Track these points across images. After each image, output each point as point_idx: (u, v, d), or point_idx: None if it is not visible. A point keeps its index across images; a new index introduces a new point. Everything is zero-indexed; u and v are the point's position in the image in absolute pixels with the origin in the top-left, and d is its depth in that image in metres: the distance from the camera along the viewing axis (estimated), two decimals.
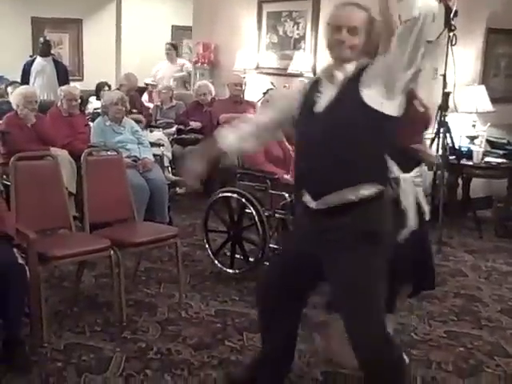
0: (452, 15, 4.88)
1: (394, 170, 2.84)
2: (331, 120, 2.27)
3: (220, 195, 4.43)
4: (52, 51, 8.09)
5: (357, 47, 2.30)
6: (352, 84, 2.25)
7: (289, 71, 7.08)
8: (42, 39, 7.89)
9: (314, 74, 6.93)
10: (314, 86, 2.40)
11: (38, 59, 7.77)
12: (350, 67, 2.30)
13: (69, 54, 9.96)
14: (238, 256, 4.37)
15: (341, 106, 2.27)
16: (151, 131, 6.73)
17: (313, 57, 6.97)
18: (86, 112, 7.15)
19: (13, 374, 2.94)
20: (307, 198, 2.40)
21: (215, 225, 4.70)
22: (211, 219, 4.61)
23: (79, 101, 5.84)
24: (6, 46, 8.92)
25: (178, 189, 6.70)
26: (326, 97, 2.31)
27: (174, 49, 8.74)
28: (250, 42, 7.85)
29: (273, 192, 4.19)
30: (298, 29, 7.26)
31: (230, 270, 4.33)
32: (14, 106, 5.21)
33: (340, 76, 2.31)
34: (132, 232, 3.84)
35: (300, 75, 6.88)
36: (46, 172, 3.77)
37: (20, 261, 3.07)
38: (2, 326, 3.06)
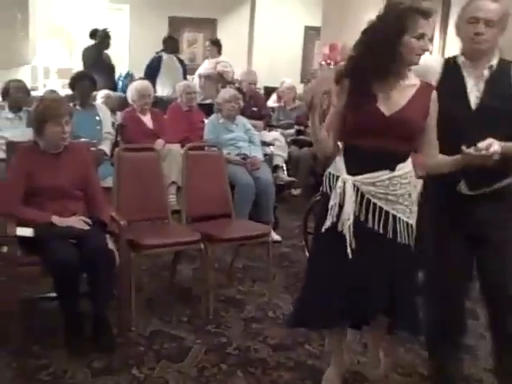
0: None
1: None
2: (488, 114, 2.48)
3: (319, 197, 4.35)
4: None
5: (492, 41, 2.50)
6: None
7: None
8: (166, 36, 8.18)
9: None
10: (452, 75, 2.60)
11: (165, 56, 8.07)
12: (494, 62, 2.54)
13: (203, 53, 10.27)
14: None
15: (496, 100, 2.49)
16: (269, 130, 6.80)
17: (441, 57, 6.66)
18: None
19: (98, 353, 3.08)
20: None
21: None
22: (313, 221, 4.55)
23: (197, 94, 5.99)
24: (143, 45, 9.37)
25: (292, 190, 6.72)
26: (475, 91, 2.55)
27: (213, 45, 8.25)
28: None
29: None
30: None
31: None
32: (130, 101, 5.47)
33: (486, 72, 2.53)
34: (225, 228, 3.87)
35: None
36: (148, 164, 3.91)
37: (110, 246, 3.21)
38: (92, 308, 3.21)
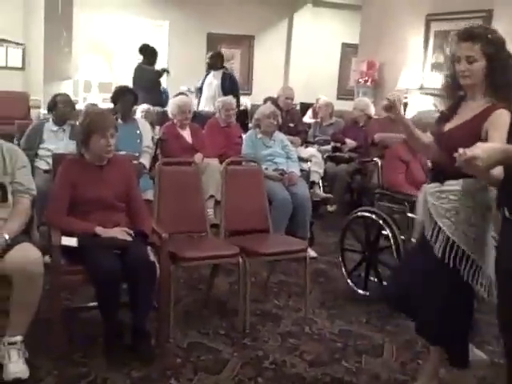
0: None
1: None
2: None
3: (358, 214, 4.37)
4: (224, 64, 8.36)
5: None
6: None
7: None
8: (210, 53, 8.26)
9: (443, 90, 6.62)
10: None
11: (211, 72, 8.17)
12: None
13: (239, 69, 10.40)
14: (372, 278, 4.27)
15: None
16: (306, 147, 6.84)
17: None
18: (251, 125, 7.39)
19: (137, 362, 3.13)
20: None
21: (353, 244, 4.63)
22: (350, 238, 4.57)
23: (235, 111, 6.05)
24: (182, 61, 9.54)
25: (328, 206, 6.73)
26: None
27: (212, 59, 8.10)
28: (415, 61, 7.70)
29: (411, 215, 4.05)
30: None
31: (362, 292, 4.25)
32: (170, 115, 5.57)
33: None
34: (262, 242, 3.91)
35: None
36: (188, 178, 3.98)
37: (152, 258, 3.27)
38: (132, 318, 3.27)
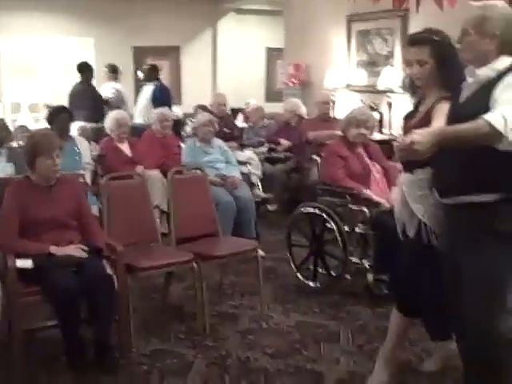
0: None
1: None
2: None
3: (302, 210, 4.55)
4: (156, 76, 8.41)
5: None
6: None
7: (378, 88, 7.11)
8: (145, 66, 8.32)
9: (404, 89, 6.96)
10: None
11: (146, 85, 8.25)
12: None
13: (169, 80, 10.44)
14: (320, 270, 4.45)
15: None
16: (242, 150, 6.98)
17: (402, 73, 6.97)
18: (184, 134, 7.49)
19: (104, 376, 3.18)
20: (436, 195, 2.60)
21: (300, 239, 4.80)
22: (295, 234, 4.74)
23: (171, 122, 6.13)
24: None
25: (268, 206, 6.88)
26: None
27: (109, 71, 8.52)
28: (339, 61, 7.96)
29: (353, 207, 4.25)
30: (386, 46, 7.30)
31: (313, 284, 4.42)
32: (108, 130, 5.61)
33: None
34: (214, 246, 4.03)
35: (390, 91, 6.91)
36: (135, 190, 4.06)
37: (108, 271, 3.33)
38: (93, 332, 3.32)
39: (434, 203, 2.67)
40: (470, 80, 2.49)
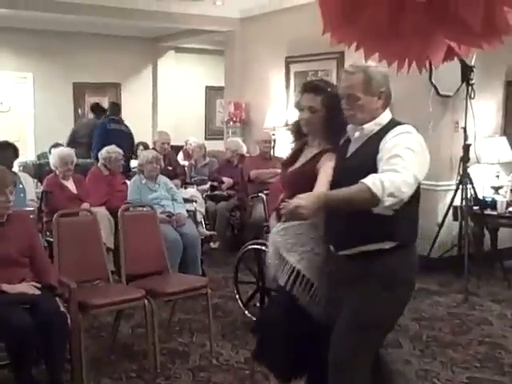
0: (469, 70, 5.17)
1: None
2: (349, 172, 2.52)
3: (249, 247, 4.65)
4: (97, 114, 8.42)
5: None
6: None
7: None
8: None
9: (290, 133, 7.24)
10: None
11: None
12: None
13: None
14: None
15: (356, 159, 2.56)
16: (185, 188, 7.05)
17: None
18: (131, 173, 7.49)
19: None
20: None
21: (247, 277, 4.88)
22: (242, 271, 4.82)
23: (122, 162, 6.16)
24: (49, 111, 9.48)
25: (211, 243, 6.95)
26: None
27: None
28: (279, 100, 8.21)
29: None
30: None
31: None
32: (53, 167, 5.59)
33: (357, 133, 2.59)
34: (165, 283, 4.07)
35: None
36: (86, 227, 4.07)
37: (62, 309, 3.32)
38: (45, 370, 3.28)
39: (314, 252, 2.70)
40: (356, 134, 2.55)
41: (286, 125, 7.99)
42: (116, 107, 8.25)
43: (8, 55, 9.24)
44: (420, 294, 5.15)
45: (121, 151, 6.16)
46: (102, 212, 5.31)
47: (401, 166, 2.27)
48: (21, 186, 5.21)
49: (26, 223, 3.61)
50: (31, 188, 5.36)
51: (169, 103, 10.92)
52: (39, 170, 6.62)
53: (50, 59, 9.58)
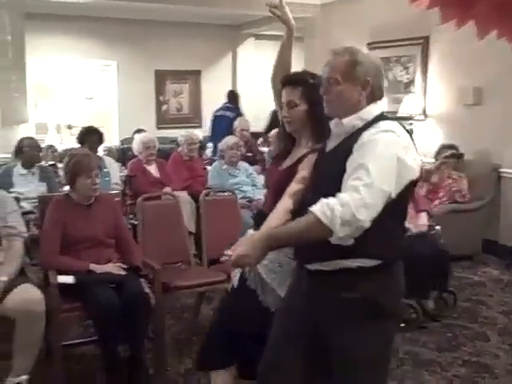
0: None
1: None
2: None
3: None
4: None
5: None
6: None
7: (399, 114, 7.20)
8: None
9: (425, 116, 7.06)
10: None
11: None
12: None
13: (188, 102, 10.62)
14: None
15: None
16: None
17: (423, 99, 7.07)
18: (204, 157, 7.61)
19: None
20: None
21: None
22: None
23: (198, 145, 6.24)
24: (132, 98, 9.70)
25: None
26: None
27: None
28: None
29: None
30: (407, 73, 7.41)
31: None
32: (136, 152, 5.71)
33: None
34: None
35: (410, 118, 7.01)
36: (168, 210, 4.14)
37: (146, 290, 3.39)
38: (128, 348, 3.37)
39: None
40: (335, 130, 2.18)
41: None
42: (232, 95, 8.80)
43: (93, 44, 9.49)
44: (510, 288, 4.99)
45: (199, 136, 6.26)
46: (183, 196, 5.39)
47: (363, 183, 1.89)
48: (106, 169, 5.36)
49: (111, 205, 3.71)
50: (116, 172, 5.51)
51: (248, 90, 10.94)
52: (123, 155, 6.81)
53: (133, 47, 9.78)
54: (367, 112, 2.10)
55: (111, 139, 8.90)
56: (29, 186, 5.05)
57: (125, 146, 7.56)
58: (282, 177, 2.52)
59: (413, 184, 2.07)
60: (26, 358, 3.06)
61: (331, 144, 2.19)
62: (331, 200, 1.90)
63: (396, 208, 2.01)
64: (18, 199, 4.62)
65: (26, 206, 4.66)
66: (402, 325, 4.12)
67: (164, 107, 10.41)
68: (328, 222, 1.87)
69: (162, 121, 10.30)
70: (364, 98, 2.10)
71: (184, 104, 10.62)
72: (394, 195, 1.95)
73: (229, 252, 2.01)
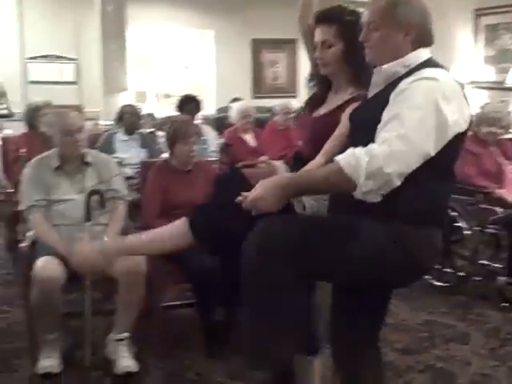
0: None
1: None
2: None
3: None
4: None
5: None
6: None
7: (506, 85, 6.85)
8: None
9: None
10: None
11: None
12: None
13: (285, 72, 10.55)
14: (447, 270, 4.34)
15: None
16: None
17: None
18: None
19: (235, 355, 3.19)
20: None
21: None
22: None
23: (294, 114, 6.18)
24: (229, 68, 9.74)
25: None
26: None
27: None
28: (464, 57, 7.72)
29: (484, 206, 4.13)
30: None
31: (438, 283, 4.32)
32: (232, 121, 5.73)
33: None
34: None
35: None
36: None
37: None
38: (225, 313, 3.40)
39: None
40: (375, 78, 2.00)
41: (472, 82, 7.52)
42: None
43: (192, 13, 9.56)
44: None
45: (294, 105, 6.19)
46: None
47: (395, 134, 1.72)
48: (204, 137, 5.42)
49: (209, 172, 3.73)
50: (213, 140, 5.56)
51: None
52: (220, 124, 6.85)
53: (230, 16, 9.78)
54: (411, 58, 1.90)
55: (208, 108, 8.99)
56: (130, 152, 5.18)
57: (221, 114, 7.61)
58: (319, 124, 2.35)
59: (460, 139, 1.87)
60: (127, 317, 3.15)
61: (370, 94, 2.02)
62: (358, 150, 1.74)
63: (437, 166, 1.81)
64: (120, 164, 4.78)
65: (128, 171, 4.78)
66: (506, 304, 3.98)
67: (260, 76, 10.39)
68: (351, 172, 1.72)
69: (258, 90, 10.30)
70: (408, 44, 1.91)
71: (280, 73, 10.54)
72: (433, 151, 1.77)
73: (245, 193, 1.89)
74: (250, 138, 5.69)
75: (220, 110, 8.55)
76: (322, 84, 2.45)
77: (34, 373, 3.04)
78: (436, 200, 1.90)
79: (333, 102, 2.37)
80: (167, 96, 9.28)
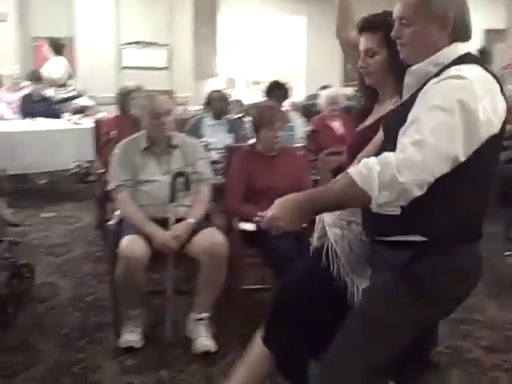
0: None
1: None
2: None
3: None
4: None
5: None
6: None
7: None
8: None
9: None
10: None
11: None
12: None
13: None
14: None
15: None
16: None
17: None
18: None
19: None
20: None
21: None
22: None
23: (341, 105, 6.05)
24: (320, 55, 9.66)
25: None
26: None
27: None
28: None
29: None
30: None
31: None
32: (321, 108, 5.68)
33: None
34: None
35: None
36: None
37: None
38: None
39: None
40: (407, 79, 1.86)
41: None
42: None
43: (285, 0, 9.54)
44: None
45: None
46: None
47: (411, 141, 1.59)
48: (291, 124, 5.39)
49: (295, 158, 3.72)
50: (300, 127, 5.52)
51: None
52: (308, 111, 6.81)
53: (323, 2, 9.67)
54: (443, 55, 1.75)
55: (297, 95, 8.97)
56: (217, 137, 5.23)
57: (310, 102, 7.57)
58: (359, 137, 2.26)
59: (497, 140, 1.69)
60: (207, 297, 3.20)
61: (404, 98, 1.88)
62: (372, 159, 1.62)
63: (469, 173, 1.67)
64: (206, 148, 4.84)
65: (214, 155, 4.83)
66: None
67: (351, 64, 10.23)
68: (362, 183, 1.60)
69: (349, 78, 10.15)
70: (445, 38, 1.76)
71: None
72: (462, 155, 1.62)
73: (262, 214, 1.84)
74: (337, 126, 5.61)
75: (309, 97, 8.51)
76: (368, 95, 2.34)
77: (117, 346, 3.15)
78: (469, 212, 1.77)
79: (377, 113, 2.27)
80: (257, 83, 9.32)
